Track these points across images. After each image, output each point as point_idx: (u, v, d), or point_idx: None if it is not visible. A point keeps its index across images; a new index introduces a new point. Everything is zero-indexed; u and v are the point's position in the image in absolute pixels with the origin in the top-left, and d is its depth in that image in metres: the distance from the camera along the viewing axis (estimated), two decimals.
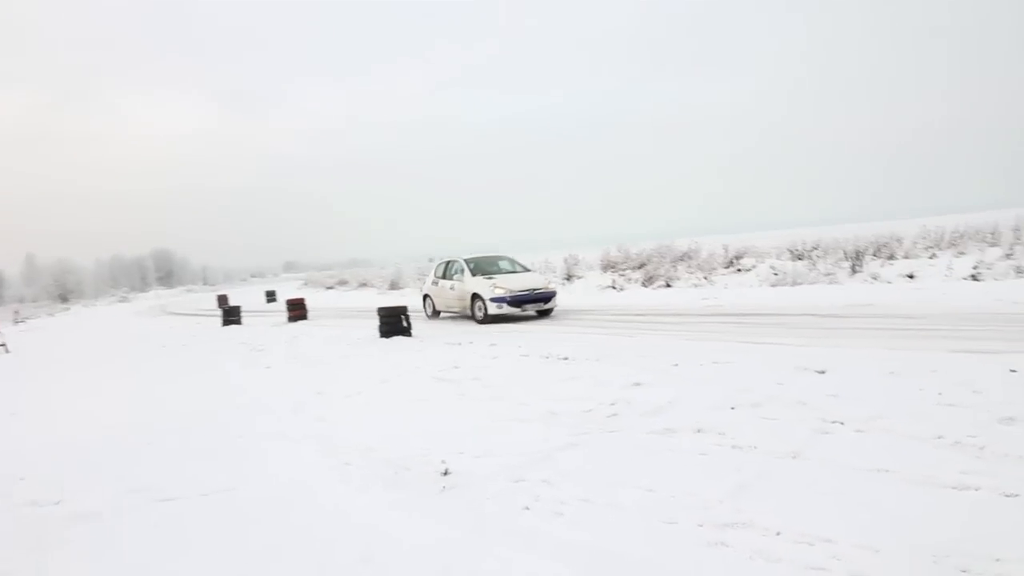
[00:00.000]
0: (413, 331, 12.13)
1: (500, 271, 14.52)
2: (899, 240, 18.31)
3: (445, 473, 4.30)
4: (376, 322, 12.53)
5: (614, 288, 20.92)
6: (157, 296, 66.40)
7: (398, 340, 11.45)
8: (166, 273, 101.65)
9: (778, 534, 3.05)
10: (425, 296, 16.06)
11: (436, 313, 15.65)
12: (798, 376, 5.94)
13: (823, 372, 5.97)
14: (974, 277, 13.94)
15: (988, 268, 14.06)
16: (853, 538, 2.92)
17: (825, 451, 4.05)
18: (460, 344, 10.20)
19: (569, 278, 24.58)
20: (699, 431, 4.70)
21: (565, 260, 26.37)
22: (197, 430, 6.13)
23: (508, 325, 12.85)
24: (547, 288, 14.05)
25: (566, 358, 8.10)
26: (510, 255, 16.23)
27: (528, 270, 15.20)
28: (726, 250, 22.69)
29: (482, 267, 14.48)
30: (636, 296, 18.15)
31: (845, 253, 18.16)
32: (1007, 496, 3.23)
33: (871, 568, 2.69)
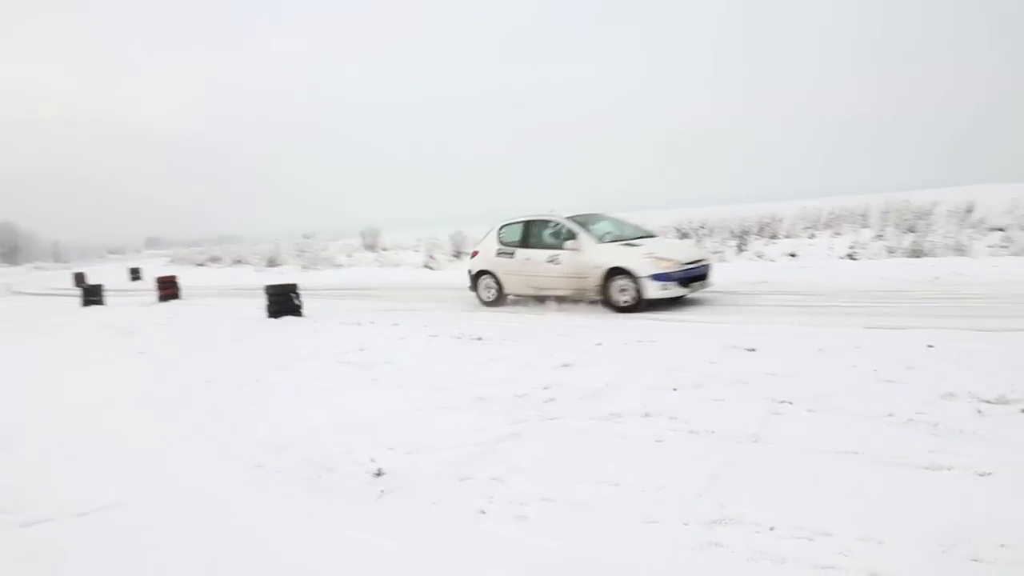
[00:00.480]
0: (304, 310, 11.26)
1: (621, 236, 10.32)
2: (780, 220, 19.20)
3: (378, 474, 3.79)
4: (260, 301, 11.58)
5: None
6: (1, 274, 59.72)
7: (289, 320, 10.59)
8: (10, 249, 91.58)
9: (772, 529, 2.80)
10: (480, 273, 11.25)
11: (502, 297, 11.03)
12: (729, 354, 5.84)
13: (753, 350, 5.91)
14: (851, 256, 14.78)
15: (863, 248, 14.95)
16: (852, 530, 2.72)
17: (784, 433, 3.89)
18: (359, 324, 9.53)
19: (457, 255, 24.32)
20: (647, 415, 4.44)
21: (452, 237, 25.98)
22: (63, 431, 5.20)
23: (384, 303, 12.28)
24: (705, 259, 10.08)
25: (480, 338, 7.69)
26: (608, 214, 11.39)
27: (651, 234, 10.91)
28: None
29: (595, 231, 10.23)
30: None
31: (732, 232, 18.84)
32: (981, 475, 3.16)
33: (884, 564, 2.48)
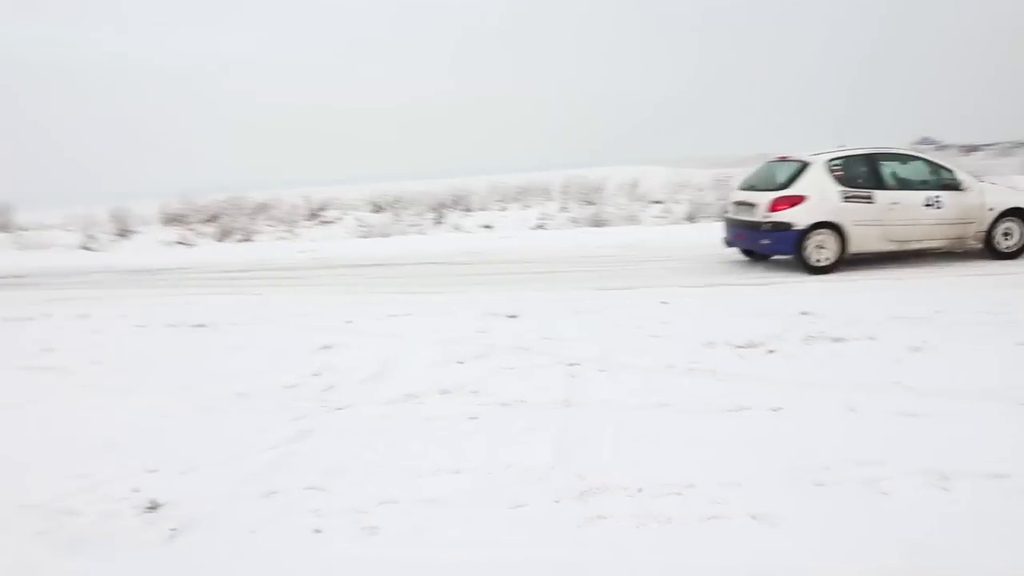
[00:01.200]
0: None
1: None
2: (471, 195, 20.13)
3: (152, 507, 2.92)
4: None
5: (184, 244, 18.57)
6: None
7: None
8: None
9: (640, 491, 2.78)
10: (814, 227, 7.87)
11: (839, 260, 7.95)
12: (494, 322, 5.84)
13: (515, 316, 5.99)
14: (541, 227, 16.07)
15: (551, 219, 16.36)
16: (710, 478, 2.83)
17: (592, 394, 3.96)
18: (31, 319, 7.50)
19: (123, 234, 20.99)
20: (446, 392, 4.18)
21: (113, 214, 22.40)
22: None
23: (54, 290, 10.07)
24: None
25: (202, 325, 6.64)
26: None
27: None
28: (308, 202, 22.06)
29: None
30: (216, 252, 16.23)
31: (428, 206, 19.20)
32: (774, 410, 3.55)
33: (757, 504, 2.60)
